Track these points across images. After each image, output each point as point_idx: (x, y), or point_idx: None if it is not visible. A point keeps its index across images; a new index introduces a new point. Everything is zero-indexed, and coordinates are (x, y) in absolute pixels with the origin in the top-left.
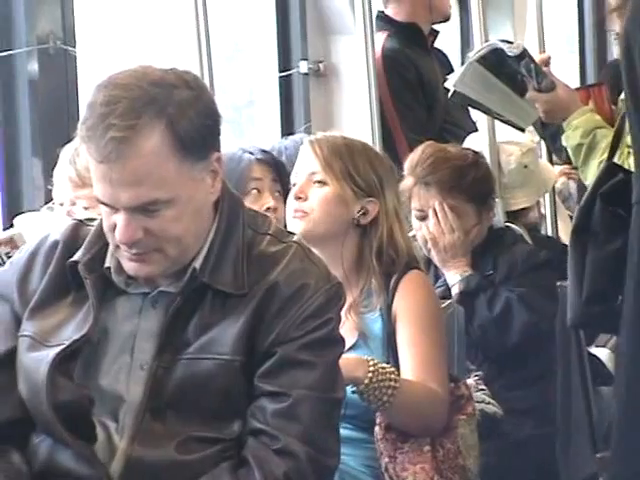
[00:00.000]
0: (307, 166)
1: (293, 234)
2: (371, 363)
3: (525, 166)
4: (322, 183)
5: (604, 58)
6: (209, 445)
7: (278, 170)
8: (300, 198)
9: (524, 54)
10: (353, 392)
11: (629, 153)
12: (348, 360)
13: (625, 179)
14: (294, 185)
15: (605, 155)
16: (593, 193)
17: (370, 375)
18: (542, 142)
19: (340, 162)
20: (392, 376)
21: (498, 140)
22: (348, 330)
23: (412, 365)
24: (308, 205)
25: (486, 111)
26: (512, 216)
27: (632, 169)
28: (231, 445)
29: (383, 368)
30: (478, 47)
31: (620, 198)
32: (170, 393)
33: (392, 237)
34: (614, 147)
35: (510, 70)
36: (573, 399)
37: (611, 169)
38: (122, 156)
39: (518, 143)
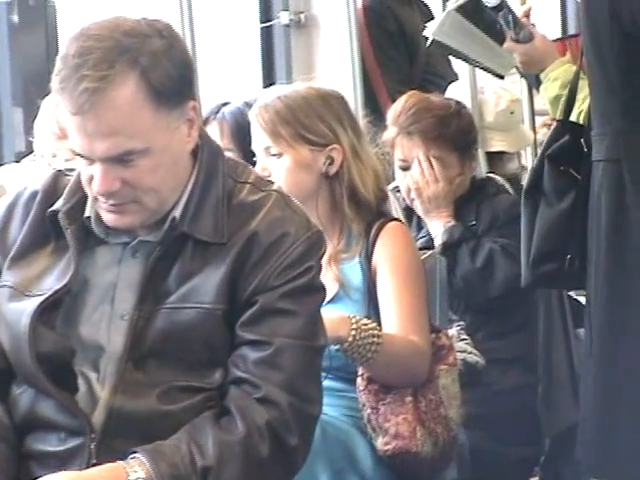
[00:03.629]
0: (259, 141)
1: (273, 183)
2: (353, 320)
3: (512, 112)
4: (278, 155)
5: None
6: (191, 394)
7: (232, 135)
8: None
9: (502, 5)
10: (337, 350)
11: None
12: (331, 319)
13: (571, 140)
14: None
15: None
16: (543, 154)
17: (353, 333)
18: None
19: (287, 127)
20: (375, 332)
21: (488, 83)
22: (329, 281)
23: (394, 317)
24: (273, 180)
25: (465, 59)
26: (491, 166)
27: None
28: (213, 394)
29: (365, 324)
30: None
31: (569, 158)
32: (151, 343)
33: (362, 176)
34: (570, 102)
35: (489, 19)
36: (554, 348)
37: (559, 130)
38: (96, 107)
39: (509, 91)
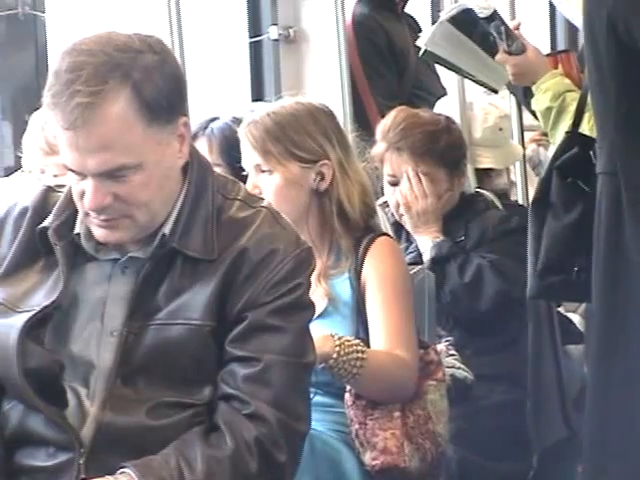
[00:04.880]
0: (249, 158)
1: (262, 199)
2: (336, 337)
3: (500, 129)
4: (269, 172)
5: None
6: (180, 410)
7: (220, 151)
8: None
9: (494, 16)
10: (323, 369)
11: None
12: (314, 339)
13: (580, 152)
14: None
15: None
16: (552, 165)
17: (337, 349)
18: (513, 119)
19: (277, 144)
20: (358, 347)
21: (476, 99)
22: (319, 297)
23: (381, 332)
24: (264, 197)
25: (457, 71)
26: (479, 182)
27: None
28: (202, 410)
29: (348, 341)
30: (449, 8)
31: (577, 170)
32: (140, 359)
33: (348, 192)
34: (579, 114)
35: (481, 31)
36: (543, 364)
37: (568, 141)
38: (88, 122)
39: (497, 107)
